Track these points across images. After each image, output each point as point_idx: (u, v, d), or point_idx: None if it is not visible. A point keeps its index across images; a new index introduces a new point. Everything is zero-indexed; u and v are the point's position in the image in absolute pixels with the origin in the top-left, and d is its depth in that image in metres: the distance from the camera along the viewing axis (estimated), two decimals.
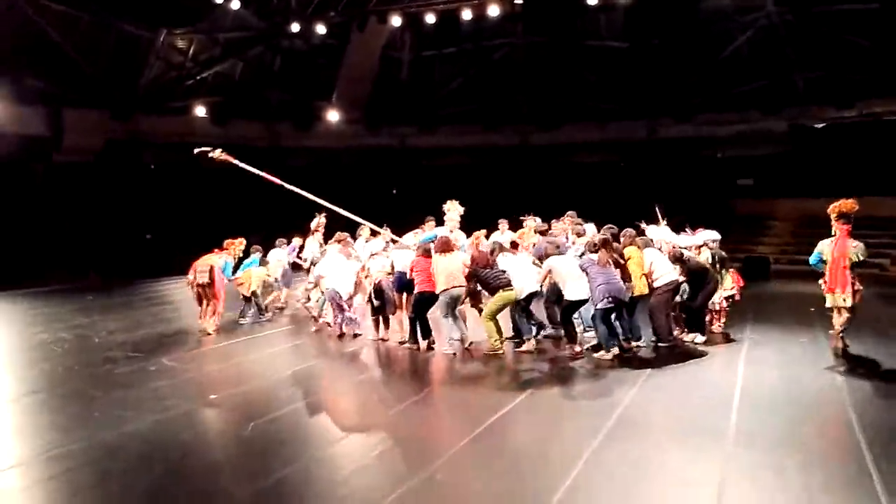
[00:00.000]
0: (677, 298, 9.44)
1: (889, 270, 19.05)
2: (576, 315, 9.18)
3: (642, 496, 4.83)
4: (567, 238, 10.53)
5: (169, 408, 6.92)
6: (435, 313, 9.35)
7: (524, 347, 9.10)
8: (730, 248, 21.06)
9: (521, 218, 11.99)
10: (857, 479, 5.01)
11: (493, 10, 19.72)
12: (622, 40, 25.35)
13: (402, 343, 9.69)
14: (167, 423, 6.47)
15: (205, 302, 10.81)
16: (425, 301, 9.27)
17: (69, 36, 22.04)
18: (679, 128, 26.01)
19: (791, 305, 13.49)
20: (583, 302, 8.72)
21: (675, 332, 9.36)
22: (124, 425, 6.37)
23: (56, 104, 22.59)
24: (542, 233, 11.17)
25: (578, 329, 9.34)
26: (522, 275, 8.94)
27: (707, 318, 10.00)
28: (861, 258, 8.71)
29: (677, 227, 10.83)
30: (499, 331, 8.90)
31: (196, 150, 12.17)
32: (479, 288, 9.16)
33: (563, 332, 9.09)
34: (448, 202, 12.30)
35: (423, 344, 9.40)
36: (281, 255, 13.18)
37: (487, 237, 11.44)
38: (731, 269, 9.92)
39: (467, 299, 9.44)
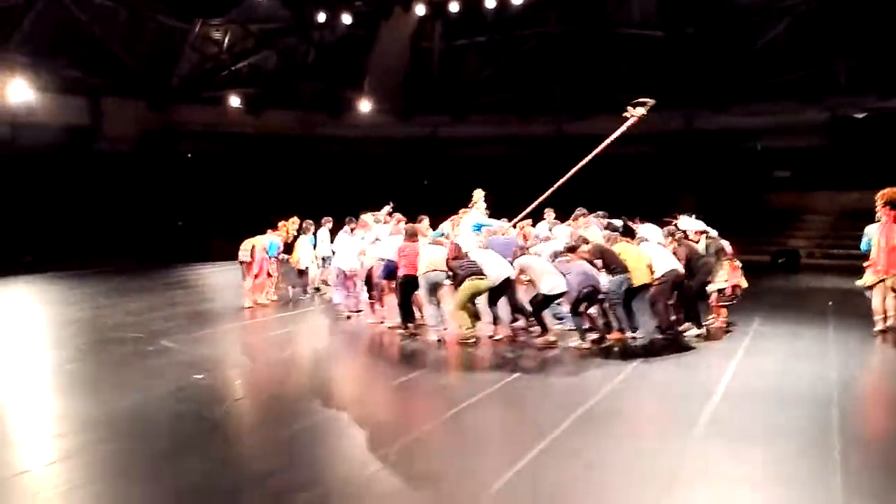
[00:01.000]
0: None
1: None
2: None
3: (588, 486, 4.80)
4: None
5: (150, 387, 7.13)
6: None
7: (498, 336, 9.10)
8: (763, 241, 21.07)
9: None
10: (820, 477, 4.89)
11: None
12: (657, 29, 24.84)
13: (391, 328, 9.85)
14: (144, 403, 6.65)
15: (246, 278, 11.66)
16: (408, 284, 9.39)
17: (108, 28, 22.70)
18: (715, 118, 25.47)
19: (812, 299, 13.18)
20: (559, 296, 8.69)
21: (679, 319, 9.28)
22: (107, 404, 6.58)
23: (95, 94, 23.28)
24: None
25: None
26: (495, 264, 8.91)
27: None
28: None
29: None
30: (473, 318, 8.90)
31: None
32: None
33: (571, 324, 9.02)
34: (475, 191, 12.44)
35: (411, 327, 9.57)
36: (325, 236, 13.45)
37: (534, 226, 11.87)
38: (730, 262, 9.66)
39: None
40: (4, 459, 5.30)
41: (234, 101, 25.96)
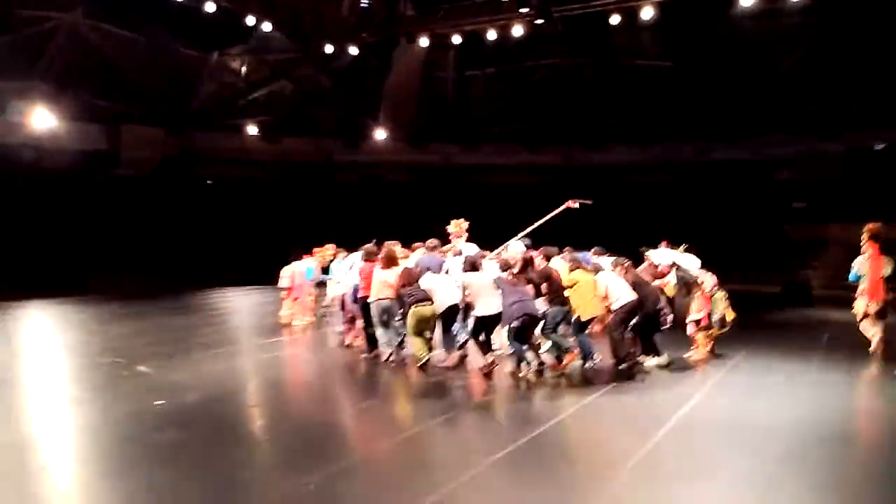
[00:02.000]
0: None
1: None
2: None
3: None
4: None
5: (106, 409, 7.20)
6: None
7: (447, 362, 8.99)
8: (779, 272, 20.65)
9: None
10: None
11: (517, 31, 19.70)
12: (665, 60, 24.80)
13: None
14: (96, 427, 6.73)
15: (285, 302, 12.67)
16: (366, 307, 9.33)
17: (128, 57, 23.41)
18: (730, 150, 25.26)
19: (811, 333, 12.75)
20: (492, 318, 8.55)
21: (635, 352, 9.10)
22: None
23: (115, 121, 23.94)
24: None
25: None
26: (443, 291, 8.82)
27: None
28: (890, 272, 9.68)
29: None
30: (426, 345, 8.77)
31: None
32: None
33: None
34: (453, 221, 12.35)
35: (383, 352, 9.45)
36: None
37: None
38: (702, 294, 9.48)
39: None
40: None
41: (252, 129, 26.49)
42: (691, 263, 10.08)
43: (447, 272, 9.41)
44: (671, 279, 9.60)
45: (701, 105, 25.12)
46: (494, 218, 21.42)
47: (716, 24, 22.28)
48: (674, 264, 9.73)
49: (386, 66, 25.45)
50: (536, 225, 11.52)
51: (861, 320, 9.97)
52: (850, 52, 22.31)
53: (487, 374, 8.37)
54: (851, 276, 10.00)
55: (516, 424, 6.82)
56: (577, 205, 11.91)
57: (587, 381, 8.46)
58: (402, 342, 9.22)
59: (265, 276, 21.96)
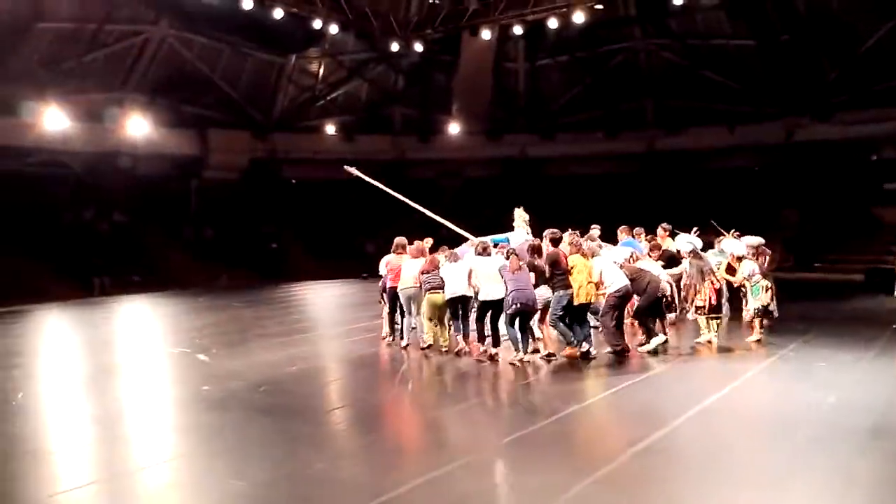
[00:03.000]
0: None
1: None
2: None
3: None
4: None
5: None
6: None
7: (481, 350, 9.12)
8: (864, 258, 19.60)
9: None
10: None
11: (578, 17, 19.47)
12: (748, 38, 23.81)
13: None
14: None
15: None
16: (393, 296, 9.89)
17: (213, 65, 24.72)
18: (819, 128, 23.96)
19: (880, 323, 12.08)
20: (494, 303, 8.73)
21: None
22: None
23: (203, 127, 25.32)
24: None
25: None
26: (453, 280, 9.07)
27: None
28: None
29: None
30: (434, 330, 9.33)
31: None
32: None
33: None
34: (516, 209, 12.49)
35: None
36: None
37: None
38: (710, 281, 9.47)
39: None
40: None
41: (330, 128, 27.39)
42: (737, 249, 9.94)
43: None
44: (685, 266, 9.73)
45: (787, 84, 24.01)
46: (572, 208, 21.53)
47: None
48: (693, 251, 9.69)
49: (456, 60, 25.66)
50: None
51: None
52: None
53: (492, 358, 8.73)
54: None
55: (521, 416, 6.97)
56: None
57: (624, 369, 8.50)
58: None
59: (343, 270, 23.19)
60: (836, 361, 8.83)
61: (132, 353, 10.79)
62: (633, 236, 11.75)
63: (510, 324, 8.55)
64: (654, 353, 9.14)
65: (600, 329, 9.29)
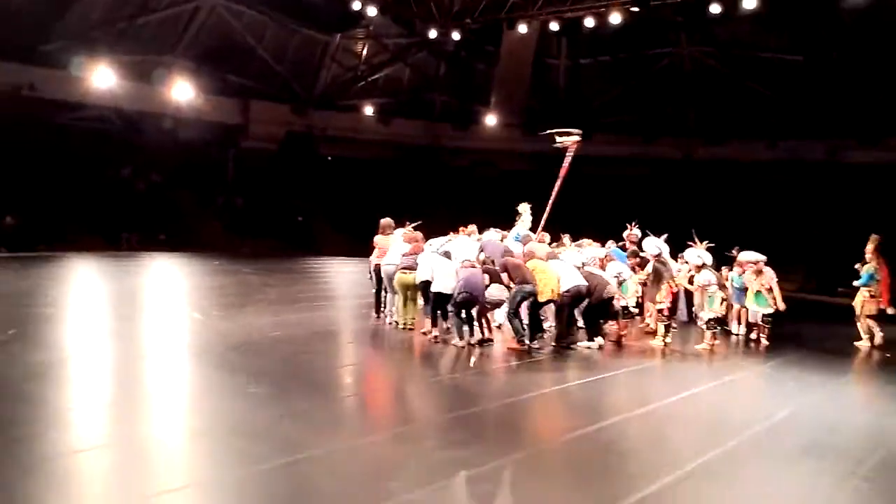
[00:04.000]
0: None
1: None
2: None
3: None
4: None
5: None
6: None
7: (454, 342, 9.22)
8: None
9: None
10: None
11: (615, 18, 19.30)
12: (796, 53, 23.27)
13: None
14: None
15: None
16: (379, 274, 10.35)
17: (259, 37, 25.23)
18: (863, 152, 23.35)
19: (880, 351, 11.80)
20: (444, 295, 9.01)
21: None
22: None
23: (246, 97, 25.89)
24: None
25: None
26: (423, 266, 9.38)
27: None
28: None
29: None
30: (408, 310, 9.78)
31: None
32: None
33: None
34: (521, 205, 12.59)
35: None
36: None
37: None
38: (668, 285, 9.66)
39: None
40: None
41: (368, 109, 27.71)
42: (695, 258, 10.13)
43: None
44: (648, 268, 9.89)
45: (833, 102, 23.41)
46: (607, 209, 21.39)
47: (847, 17, 20.64)
48: (658, 255, 9.85)
49: (497, 51, 25.68)
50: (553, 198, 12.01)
51: (867, 317, 11.11)
52: None
53: (435, 339, 9.14)
54: (862, 280, 11.20)
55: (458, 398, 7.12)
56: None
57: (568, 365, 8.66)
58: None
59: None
60: (807, 382, 8.73)
61: (131, 307, 11.25)
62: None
63: (456, 313, 8.89)
64: (599, 348, 9.45)
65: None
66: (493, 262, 9.31)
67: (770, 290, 10.26)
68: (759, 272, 10.55)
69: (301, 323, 10.23)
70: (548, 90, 27.75)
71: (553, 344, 9.40)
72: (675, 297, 9.76)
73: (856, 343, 11.22)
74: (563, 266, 9.31)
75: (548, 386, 7.79)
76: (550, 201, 11.81)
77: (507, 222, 12.62)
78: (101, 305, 11.26)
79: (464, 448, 5.29)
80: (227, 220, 23.99)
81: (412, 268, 9.56)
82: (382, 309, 10.71)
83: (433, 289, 9.12)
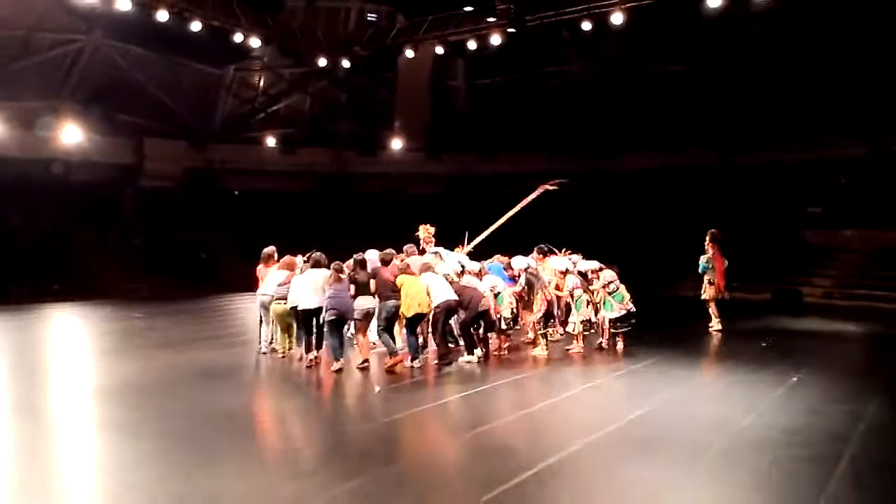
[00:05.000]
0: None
1: None
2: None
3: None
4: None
5: None
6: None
7: (308, 357, 9.47)
8: (786, 279, 19.87)
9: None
10: None
11: (496, 40, 19.72)
12: (678, 63, 24.24)
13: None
14: None
15: None
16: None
17: (148, 75, 24.71)
18: (751, 155, 24.40)
19: (750, 341, 12.19)
20: (309, 311, 9.25)
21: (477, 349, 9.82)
22: None
23: (139, 135, 25.25)
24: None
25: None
26: (295, 292, 9.42)
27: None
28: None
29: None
30: (286, 337, 10.09)
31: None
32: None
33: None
34: (421, 227, 12.59)
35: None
36: None
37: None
38: (542, 294, 9.88)
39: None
40: None
41: (271, 141, 27.44)
42: (559, 265, 10.47)
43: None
44: (521, 281, 10.04)
45: (717, 110, 24.43)
46: (516, 226, 21.63)
47: (723, 27, 21.63)
48: (527, 268, 10.08)
49: (395, 77, 25.89)
50: (512, 213, 13.42)
51: (710, 302, 12.68)
52: (863, 53, 21.27)
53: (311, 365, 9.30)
54: (701, 269, 12.64)
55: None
56: (553, 187, 13.74)
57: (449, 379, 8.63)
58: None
59: None
60: (674, 378, 8.97)
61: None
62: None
63: (329, 332, 8.99)
64: (479, 361, 9.61)
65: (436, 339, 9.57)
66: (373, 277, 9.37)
67: (611, 294, 10.28)
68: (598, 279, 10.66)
69: (173, 365, 9.92)
70: (450, 112, 28.07)
71: (436, 361, 9.45)
72: (549, 304, 9.86)
73: (709, 326, 12.66)
74: (435, 280, 9.36)
75: (429, 402, 7.88)
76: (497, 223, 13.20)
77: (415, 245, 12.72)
78: None
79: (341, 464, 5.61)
80: (125, 262, 23.17)
81: (284, 298, 9.63)
82: (262, 340, 10.63)
83: (299, 308, 9.25)
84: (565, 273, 10.10)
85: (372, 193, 29.06)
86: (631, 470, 5.56)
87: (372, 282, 9.13)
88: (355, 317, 9.09)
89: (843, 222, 22.24)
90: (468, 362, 9.51)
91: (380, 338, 9.23)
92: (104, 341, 12.60)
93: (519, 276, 10.07)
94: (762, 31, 22.13)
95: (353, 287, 9.04)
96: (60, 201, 23.65)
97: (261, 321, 10.58)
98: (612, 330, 10.30)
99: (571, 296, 10.03)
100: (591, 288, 10.20)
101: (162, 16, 17.88)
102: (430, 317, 9.40)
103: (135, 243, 24.38)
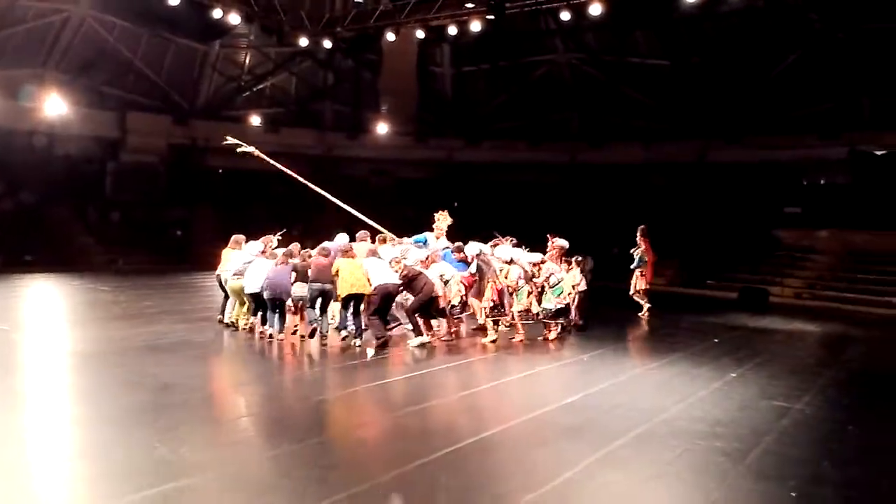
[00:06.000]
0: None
1: None
2: None
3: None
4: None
5: None
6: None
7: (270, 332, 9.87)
8: (757, 278, 20.01)
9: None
10: None
11: (476, 26, 19.74)
12: (662, 58, 24.26)
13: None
14: None
15: None
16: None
17: (134, 49, 24.59)
18: (729, 151, 24.49)
19: (701, 336, 12.23)
20: (253, 294, 9.89)
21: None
22: None
23: (123, 109, 25.15)
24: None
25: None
26: (249, 275, 9.99)
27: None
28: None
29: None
30: (245, 313, 10.50)
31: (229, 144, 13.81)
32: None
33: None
34: (439, 213, 12.57)
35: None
36: None
37: None
38: (493, 284, 9.95)
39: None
40: None
41: (255, 120, 27.34)
42: (505, 254, 10.49)
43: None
44: (472, 267, 10.14)
45: (700, 104, 24.50)
46: (499, 214, 21.74)
47: (707, 23, 21.69)
48: (480, 253, 10.19)
49: (380, 60, 25.84)
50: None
51: (636, 293, 13.83)
52: (852, 51, 21.32)
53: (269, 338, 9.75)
54: (635, 263, 13.74)
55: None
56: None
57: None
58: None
59: None
60: (620, 369, 9.08)
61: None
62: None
63: (271, 308, 9.60)
64: (423, 346, 9.67)
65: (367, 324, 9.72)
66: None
67: (553, 286, 10.41)
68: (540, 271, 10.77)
69: (132, 336, 10.02)
70: (436, 98, 28.04)
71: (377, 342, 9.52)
72: (500, 293, 9.94)
73: (640, 315, 13.68)
74: (375, 264, 9.54)
75: (368, 382, 8.03)
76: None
77: (403, 230, 12.79)
78: None
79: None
80: (103, 236, 23.19)
81: (241, 273, 10.12)
82: (221, 314, 11.03)
83: (247, 291, 9.87)
84: (510, 262, 10.16)
85: (358, 177, 29.06)
86: (543, 452, 5.73)
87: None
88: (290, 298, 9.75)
89: (819, 223, 22.37)
90: (419, 346, 9.59)
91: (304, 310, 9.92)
92: (63, 312, 12.66)
93: (472, 261, 10.12)
94: (744, 26, 22.21)
95: (293, 274, 9.68)
96: (41, 173, 23.57)
97: (225, 296, 10.95)
98: (544, 320, 10.41)
99: (515, 287, 10.09)
100: (533, 280, 10.26)
101: None
102: (367, 298, 9.55)
103: (111, 218, 24.31)
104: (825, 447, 6.08)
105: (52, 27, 23.23)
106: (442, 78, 27.82)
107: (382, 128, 28.06)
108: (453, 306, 10.03)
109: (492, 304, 9.92)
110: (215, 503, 4.65)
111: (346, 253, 9.73)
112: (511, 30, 23.33)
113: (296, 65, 27.20)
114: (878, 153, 22.06)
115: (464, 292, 9.95)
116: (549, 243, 11.39)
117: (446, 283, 9.90)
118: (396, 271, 9.45)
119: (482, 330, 10.44)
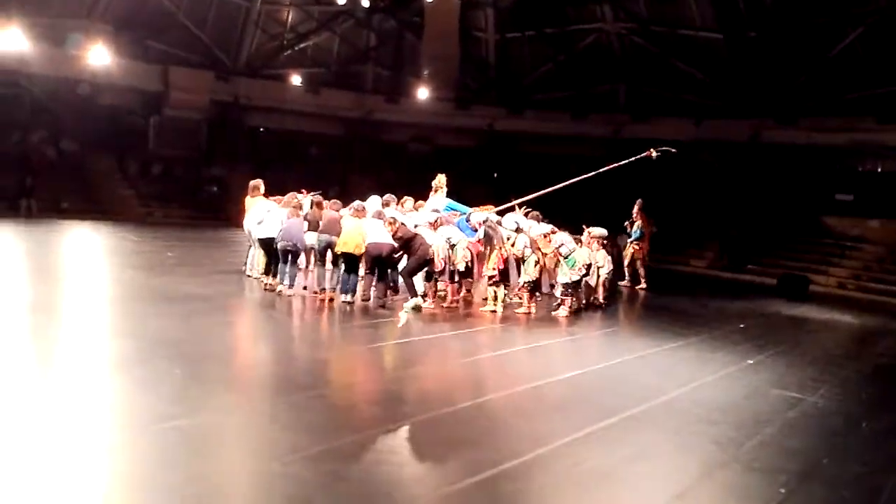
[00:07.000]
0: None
1: None
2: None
3: None
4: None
5: None
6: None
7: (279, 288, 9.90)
8: (800, 265, 19.19)
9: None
10: None
11: None
12: (716, 31, 23.18)
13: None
14: None
15: None
16: None
17: (177, 2, 24.59)
18: (783, 132, 23.38)
19: (730, 321, 11.74)
20: (264, 240, 10.02)
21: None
22: None
23: (166, 63, 25.24)
24: None
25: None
26: (268, 221, 10.08)
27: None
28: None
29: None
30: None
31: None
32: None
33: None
34: (438, 175, 12.35)
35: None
36: None
37: None
38: (499, 253, 9.67)
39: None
40: None
41: (296, 79, 27.20)
42: (511, 224, 10.19)
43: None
44: (479, 233, 9.89)
45: (754, 81, 23.40)
46: (539, 187, 21.17)
47: None
48: (486, 220, 9.91)
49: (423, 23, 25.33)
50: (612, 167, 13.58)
51: (639, 263, 14.68)
52: None
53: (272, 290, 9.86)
54: (634, 236, 14.67)
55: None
56: (655, 154, 13.20)
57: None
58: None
59: None
60: (628, 346, 8.76)
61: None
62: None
63: (282, 260, 9.64)
64: (416, 309, 9.36)
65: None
66: None
67: (565, 257, 10.03)
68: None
69: (142, 286, 10.00)
70: (478, 64, 27.45)
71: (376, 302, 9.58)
72: (506, 262, 9.63)
73: (637, 288, 14.44)
74: (372, 224, 9.44)
75: (365, 344, 7.88)
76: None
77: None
78: None
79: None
80: (141, 188, 23.47)
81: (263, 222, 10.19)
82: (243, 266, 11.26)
83: (257, 235, 10.10)
84: (517, 231, 9.82)
85: (396, 142, 28.80)
86: (529, 422, 5.48)
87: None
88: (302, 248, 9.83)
89: (872, 212, 21.30)
90: (413, 308, 9.29)
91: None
92: (77, 257, 12.75)
93: (479, 227, 9.85)
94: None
95: (306, 223, 9.75)
96: (84, 122, 23.89)
97: (250, 246, 11.06)
98: (561, 295, 10.04)
99: (522, 255, 9.73)
100: (543, 251, 9.85)
101: None
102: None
103: (151, 171, 24.58)
104: (829, 442, 5.63)
105: None
106: (485, 43, 27.18)
107: (423, 93, 27.58)
108: (459, 272, 9.71)
109: (495, 271, 9.61)
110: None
111: (358, 212, 9.63)
112: None
113: (338, 25, 26.87)
114: None
115: (469, 258, 9.63)
116: (586, 234, 11.17)
117: (453, 247, 9.60)
118: (390, 232, 9.23)
119: (488, 299, 10.13)
